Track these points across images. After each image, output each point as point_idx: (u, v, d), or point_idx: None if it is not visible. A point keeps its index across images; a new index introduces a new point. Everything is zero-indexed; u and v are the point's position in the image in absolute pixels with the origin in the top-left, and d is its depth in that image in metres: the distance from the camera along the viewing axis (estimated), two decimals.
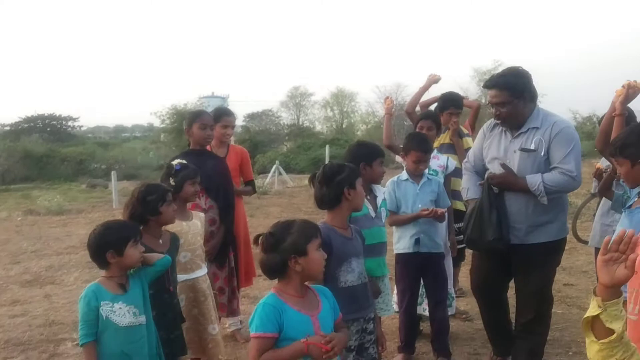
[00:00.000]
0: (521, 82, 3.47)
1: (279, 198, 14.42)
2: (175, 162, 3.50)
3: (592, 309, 1.58)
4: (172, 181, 3.42)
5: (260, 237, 2.34)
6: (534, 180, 3.37)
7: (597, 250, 4.04)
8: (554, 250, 3.59)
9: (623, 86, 3.27)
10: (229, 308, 4.21)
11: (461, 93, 5.75)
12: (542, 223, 3.49)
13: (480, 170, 3.79)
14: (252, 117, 49.17)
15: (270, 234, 2.31)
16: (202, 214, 3.60)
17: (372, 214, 3.43)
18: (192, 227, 3.42)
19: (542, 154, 3.41)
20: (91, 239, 2.71)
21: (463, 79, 43.38)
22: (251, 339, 2.26)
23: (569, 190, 3.59)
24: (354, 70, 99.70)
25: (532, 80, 3.55)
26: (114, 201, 15.30)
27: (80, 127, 49.21)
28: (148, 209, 3.02)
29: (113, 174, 16.29)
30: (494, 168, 3.59)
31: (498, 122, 3.60)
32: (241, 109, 48.98)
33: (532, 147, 3.42)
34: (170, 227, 3.28)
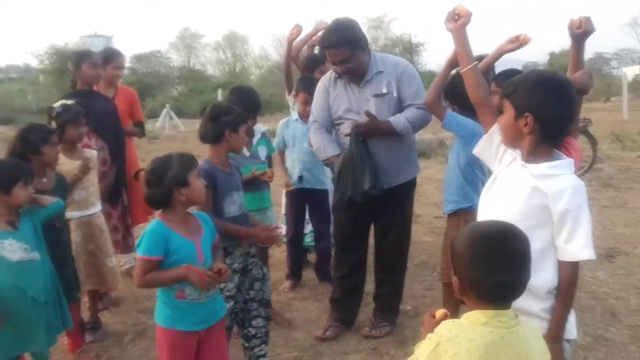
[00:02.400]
0: (357, 33, 3.43)
1: (171, 142, 14.30)
2: (57, 104, 3.52)
3: None
4: (53, 124, 3.45)
5: (141, 173, 2.54)
6: (399, 120, 3.39)
7: None
8: (412, 186, 3.75)
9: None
10: (123, 245, 4.37)
11: None
12: (403, 163, 3.57)
13: (329, 127, 3.68)
14: (139, 58, 47.04)
15: (152, 170, 2.49)
16: (94, 152, 3.68)
17: (246, 153, 3.67)
18: None
19: (394, 94, 3.44)
20: None
21: None
22: (137, 260, 2.48)
23: (427, 124, 3.59)
24: (247, 13, 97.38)
25: (360, 27, 3.54)
26: None
27: None
28: (29, 148, 3.08)
29: None
30: (352, 120, 3.49)
31: (341, 77, 3.52)
32: (127, 50, 46.57)
33: (384, 90, 3.43)
34: (63, 168, 3.39)
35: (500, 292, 1.54)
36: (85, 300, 3.86)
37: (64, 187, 3.30)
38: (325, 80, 3.67)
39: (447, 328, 1.54)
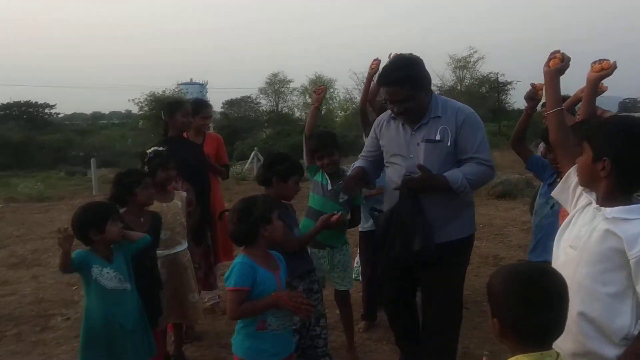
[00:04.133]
0: (419, 72, 3.19)
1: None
2: (149, 150, 3.85)
3: None
4: (145, 168, 3.79)
5: (227, 213, 2.78)
6: (456, 177, 3.08)
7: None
8: (466, 247, 3.37)
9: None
10: (205, 282, 4.60)
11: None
12: (455, 219, 3.24)
13: (375, 162, 3.56)
14: (231, 103, 49.43)
15: (240, 208, 2.74)
16: (184, 194, 3.95)
17: (329, 186, 3.75)
18: (172, 207, 3.79)
19: (449, 144, 3.14)
20: (74, 220, 3.06)
21: (439, 65, 43.85)
22: (229, 292, 2.66)
23: (488, 181, 3.33)
24: (332, 57, 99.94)
25: (425, 65, 3.26)
26: (93, 188, 15.52)
27: (57, 114, 49.06)
28: (124, 190, 3.41)
29: (93, 161, 16.51)
30: (397, 165, 3.30)
31: (398, 117, 3.29)
32: (220, 96, 48.97)
33: (437, 137, 3.14)
34: (151, 208, 3.68)
35: (542, 332, 1.55)
36: (170, 334, 4.10)
37: (158, 225, 3.55)
38: (378, 121, 3.49)
39: None
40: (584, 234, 2.02)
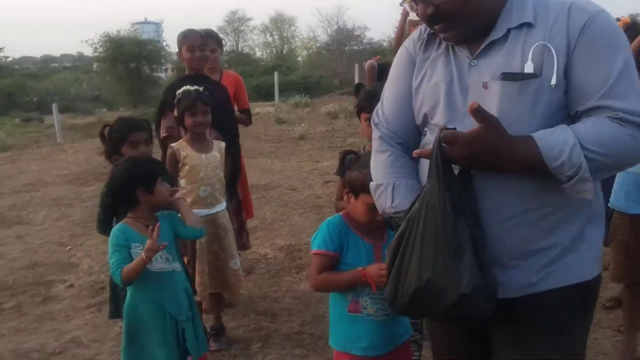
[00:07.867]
0: None
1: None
2: (180, 90, 3.21)
3: None
4: (175, 112, 3.20)
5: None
6: (559, 141, 1.34)
7: None
8: (586, 299, 1.57)
9: None
10: (238, 242, 4.04)
11: None
12: (556, 244, 1.47)
13: (405, 137, 1.70)
14: None
15: (352, 153, 2.28)
16: (222, 144, 3.32)
17: None
18: (211, 159, 3.18)
19: (553, 81, 1.39)
20: (118, 176, 2.45)
21: None
22: (312, 255, 2.18)
23: (635, 157, 1.41)
24: None
25: None
26: (57, 135, 14.56)
27: (6, 57, 45.85)
28: (110, 147, 2.87)
29: (54, 106, 15.43)
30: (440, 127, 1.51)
31: (438, 32, 1.57)
32: (176, 35, 47.01)
33: (529, 68, 1.41)
34: (189, 161, 3.10)
35: None
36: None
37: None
38: (412, 40, 1.73)
39: None
40: None
